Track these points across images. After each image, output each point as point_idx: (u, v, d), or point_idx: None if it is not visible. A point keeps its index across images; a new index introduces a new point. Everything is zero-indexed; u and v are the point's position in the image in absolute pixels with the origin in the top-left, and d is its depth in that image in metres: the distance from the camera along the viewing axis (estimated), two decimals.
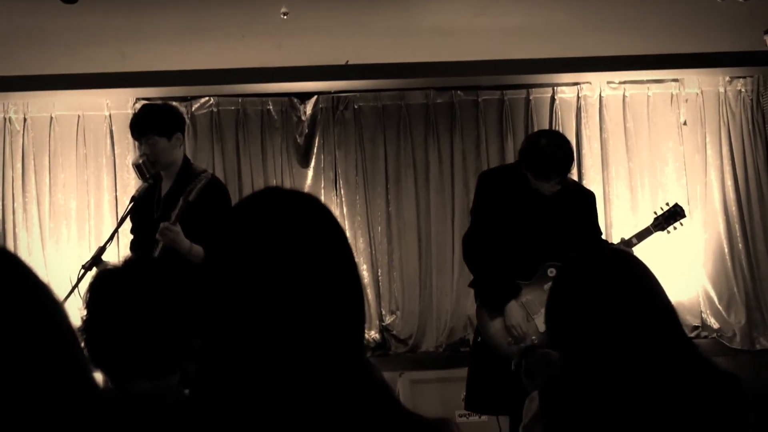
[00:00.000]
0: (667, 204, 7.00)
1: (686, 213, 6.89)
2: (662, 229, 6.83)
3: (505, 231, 6.46)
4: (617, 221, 10.43)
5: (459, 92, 10.62)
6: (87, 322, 3.10)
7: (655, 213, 6.98)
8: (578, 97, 10.67)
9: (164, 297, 3.08)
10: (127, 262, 3.30)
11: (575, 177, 10.16)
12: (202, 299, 2.02)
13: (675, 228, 6.85)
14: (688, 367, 2.94)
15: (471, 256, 6.71)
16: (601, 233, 6.84)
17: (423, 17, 9.60)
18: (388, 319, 10.32)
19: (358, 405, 1.92)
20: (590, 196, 6.85)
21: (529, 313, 6.44)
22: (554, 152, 6.31)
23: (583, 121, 10.65)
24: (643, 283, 3.02)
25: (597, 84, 10.59)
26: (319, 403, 1.89)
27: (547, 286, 6.22)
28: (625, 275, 3.02)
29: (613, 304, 2.94)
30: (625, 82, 10.61)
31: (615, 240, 7.99)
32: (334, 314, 1.96)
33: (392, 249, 10.47)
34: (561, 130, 10.49)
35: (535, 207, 6.40)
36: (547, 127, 10.53)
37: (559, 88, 10.66)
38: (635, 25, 9.71)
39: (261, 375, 1.90)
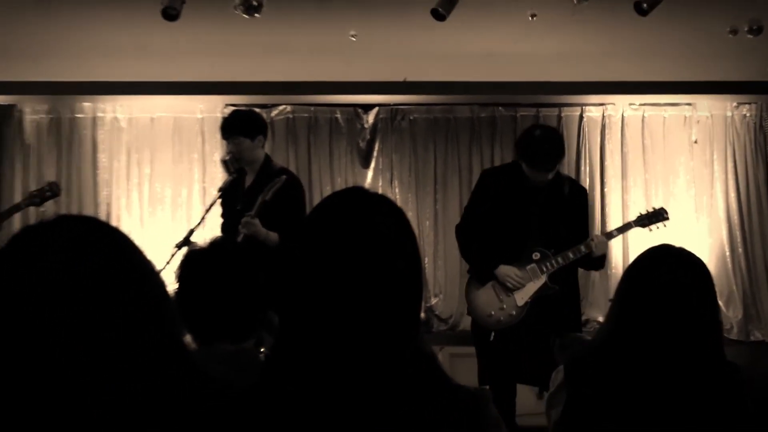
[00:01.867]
0: (654, 207, 6.87)
1: (669, 217, 6.72)
2: (643, 225, 6.68)
3: (496, 220, 6.34)
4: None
5: (500, 108, 10.63)
6: (179, 292, 3.13)
7: (641, 213, 6.86)
8: (603, 116, 10.64)
9: (244, 273, 3.14)
10: (213, 243, 3.33)
11: (598, 185, 10.10)
12: (284, 280, 2.02)
13: (657, 227, 6.71)
14: (701, 356, 2.87)
15: (462, 242, 6.62)
16: (587, 229, 6.68)
17: (471, 43, 9.57)
18: (432, 301, 10.35)
19: (412, 372, 1.94)
20: (582, 192, 6.68)
21: (509, 288, 6.32)
22: (545, 142, 6.18)
23: (607, 137, 10.62)
24: (707, 284, 2.96)
25: (620, 105, 10.55)
26: (381, 371, 1.91)
27: (530, 267, 6.22)
28: (694, 273, 2.95)
29: (673, 296, 2.88)
30: (644, 105, 10.57)
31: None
32: (398, 298, 1.97)
33: (438, 241, 10.49)
34: (587, 145, 10.55)
35: (527, 198, 6.29)
36: (575, 142, 10.55)
37: (587, 108, 10.63)
38: (655, 55, 9.64)
39: (330, 346, 1.90)
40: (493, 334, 6.30)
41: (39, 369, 1.49)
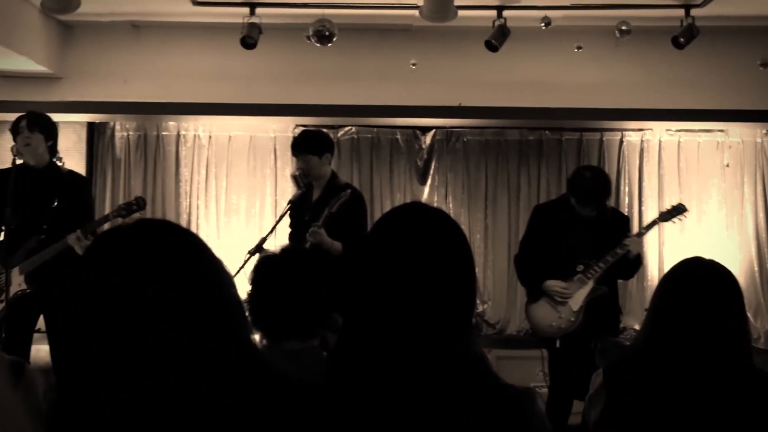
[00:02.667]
0: (673, 204, 6.92)
1: (687, 209, 6.79)
2: (665, 220, 6.76)
3: (546, 247, 6.45)
4: (669, 241, 10.31)
5: (546, 132, 10.57)
6: (251, 294, 3.16)
7: (661, 210, 6.94)
8: (642, 141, 10.55)
9: (312, 278, 3.14)
10: (284, 250, 3.36)
11: (636, 204, 10.08)
12: (348, 284, 2.05)
13: (680, 220, 6.77)
14: (730, 363, 2.86)
15: (520, 271, 6.76)
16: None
17: (521, 71, 9.60)
18: (481, 308, 10.30)
19: (464, 371, 1.95)
20: (623, 220, 6.84)
21: (558, 300, 6.42)
22: (594, 183, 6.31)
23: (645, 160, 10.52)
24: (734, 295, 2.95)
25: (657, 131, 10.46)
26: (434, 370, 1.93)
27: (576, 277, 6.29)
28: (723, 284, 2.95)
29: (704, 306, 2.88)
30: (680, 131, 10.46)
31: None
32: (453, 303, 2.00)
33: (487, 252, 10.46)
34: (627, 167, 10.47)
35: (573, 228, 6.38)
36: (615, 164, 10.49)
37: (627, 133, 10.55)
38: (690, 85, 9.62)
39: (388, 346, 1.93)
40: (558, 341, 6.41)
41: (116, 362, 1.49)
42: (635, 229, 10.08)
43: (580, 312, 6.34)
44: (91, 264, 1.60)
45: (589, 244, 6.35)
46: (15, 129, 6.34)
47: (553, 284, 6.41)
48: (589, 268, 6.35)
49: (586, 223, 6.38)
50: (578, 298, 6.36)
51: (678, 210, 6.75)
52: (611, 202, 10.07)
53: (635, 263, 6.51)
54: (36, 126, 6.29)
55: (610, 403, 2.96)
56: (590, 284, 6.35)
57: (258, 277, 3.22)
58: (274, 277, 3.19)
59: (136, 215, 6.54)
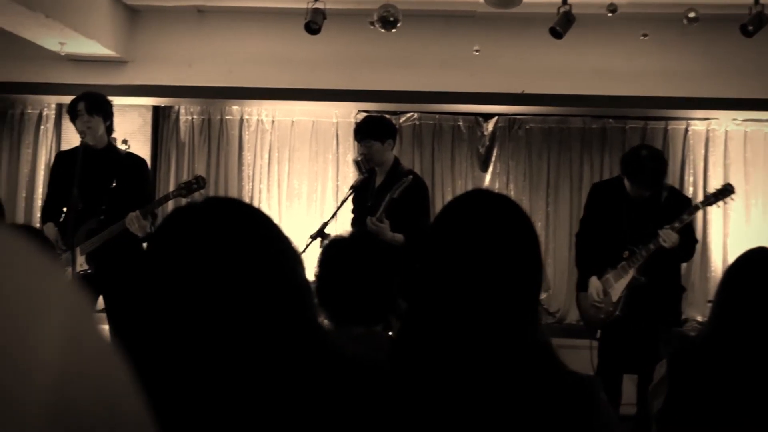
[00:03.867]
0: (721, 185, 6.71)
1: (734, 190, 6.53)
2: (710, 204, 6.55)
3: (601, 228, 6.37)
4: (733, 232, 10.20)
5: (610, 120, 10.51)
6: (319, 276, 3.16)
7: (706, 194, 6.73)
8: (707, 130, 10.44)
9: (378, 263, 3.13)
10: (353, 234, 3.35)
11: (701, 194, 9.94)
12: (414, 271, 2.05)
13: (725, 203, 6.58)
14: None
15: (578, 249, 6.69)
16: (691, 231, 6.58)
17: (585, 59, 9.51)
18: (542, 296, 10.26)
19: (529, 358, 1.96)
20: (684, 202, 6.57)
21: (606, 288, 6.33)
22: (650, 162, 6.15)
23: (710, 150, 10.41)
24: None
25: (723, 120, 10.34)
26: (500, 356, 1.93)
27: (620, 265, 6.20)
28: None
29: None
30: (747, 120, 10.33)
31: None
32: (519, 290, 2.00)
33: (548, 241, 10.41)
34: (692, 157, 10.36)
35: (627, 209, 6.27)
36: (680, 154, 10.39)
37: (692, 122, 10.45)
38: (757, 73, 9.46)
39: (453, 332, 1.93)
40: (599, 331, 6.37)
41: (183, 342, 1.50)
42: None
43: (619, 302, 6.26)
44: (160, 243, 1.62)
45: (643, 225, 6.23)
46: (73, 112, 6.41)
47: (592, 288, 6.35)
48: (632, 255, 6.24)
49: (641, 204, 6.27)
50: (618, 288, 6.28)
51: (724, 192, 6.52)
52: (676, 185, 10.04)
53: (687, 247, 6.37)
54: (94, 109, 6.37)
55: (674, 393, 2.94)
56: (631, 273, 6.24)
57: (327, 259, 3.22)
58: (343, 260, 3.18)
59: (196, 194, 6.61)
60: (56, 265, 0.83)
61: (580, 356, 6.69)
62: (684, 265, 7.78)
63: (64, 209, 6.52)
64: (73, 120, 6.42)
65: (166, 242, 1.60)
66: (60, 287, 0.77)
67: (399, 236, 6.05)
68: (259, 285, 1.54)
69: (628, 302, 6.23)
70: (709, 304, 3.09)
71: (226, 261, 1.54)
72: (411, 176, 6.31)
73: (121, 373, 0.81)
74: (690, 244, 6.42)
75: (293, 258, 1.65)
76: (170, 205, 7.23)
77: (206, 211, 1.64)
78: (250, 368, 1.53)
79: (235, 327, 1.51)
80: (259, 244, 1.60)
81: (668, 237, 6.08)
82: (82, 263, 6.26)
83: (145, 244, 6.42)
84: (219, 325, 1.50)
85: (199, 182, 6.55)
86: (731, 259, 3.19)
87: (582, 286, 6.51)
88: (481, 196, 2.16)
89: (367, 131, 6.54)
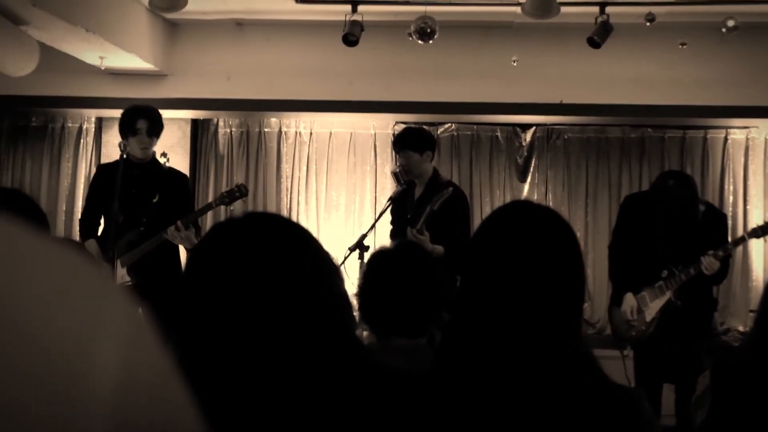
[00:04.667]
0: (766, 221, 6.64)
1: None
2: (757, 236, 6.47)
3: (635, 241, 6.30)
4: None
5: (649, 130, 10.46)
6: (362, 288, 3.15)
7: (755, 226, 6.64)
8: (747, 139, 10.37)
9: (423, 276, 3.11)
10: (397, 246, 3.34)
11: (741, 203, 9.86)
12: (456, 283, 2.06)
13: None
14: None
15: (611, 261, 6.60)
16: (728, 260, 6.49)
17: (623, 68, 9.47)
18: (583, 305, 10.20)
19: (573, 370, 1.96)
20: (719, 217, 6.50)
21: (640, 306, 6.26)
22: (679, 193, 6.06)
23: (750, 158, 10.34)
24: None
25: (763, 128, 10.27)
26: (543, 369, 1.91)
27: (657, 284, 6.12)
28: None
29: None
30: None
31: None
32: (562, 302, 2.00)
33: (588, 251, 10.34)
34: (732, 165, 10.27)
35: (659, 226, 6.18)
36: (720, 162, 10.33)
37: (731, 131, 10.38)
38: None
39: (496, 344, 1.93)
40: (628, 348, 6.32)
41: (225, 355, 1.52)
42: (738, 225, 9.99)
43: (652, 323, 6.20)
44: (201, 258, 1.63)
45: (680, 242, 6.17)
46: (132, 128, 6.36)
47: (626, 306, 6.27)
48: (671, 276, 6.16)
49: (677, 219, 6.20)
50: (653, 308, 6.22)
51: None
52: (714, 200, 9.97)
53: (722, 273, 6.30)
54: (154, 132, 6.41)
55: (717, 405, 2.91)
56: (668, 295, 6.18)
57: (370, 271, 3.21)
58: (387, 272, 3.16)
59: (239, 203, 6.63)
60: (112, 282, 0.85)
61: (621, 367, 6.65)
62: None
63: (102, 222, 6.56)
64: (129, 134, 6.38)
65: (206, 257, 1.63)
66: (119, 306, 0.79)
67: (439, 248, 6.03)
68: (298, 298, 1.56)
69: (661, 324, 6.18)
70: (751, 314, 3.06)
71: (265, 275, 1.55)
72: (451, 188, 6.30)
73: (180, 393, 0.82)
74: (725, 269, 6.34)
75: (332, 271, 1.66)
76: (212, 215, 7.29)
77: (246, 225, 1.66)
78: (290, 381, 1.54)
79: (274, 340, 1.52)
80: (297, 259, 1.61)
81: (711, 265, 6.01)
82: (123, 275, 6.29)
83: (184, 257, 6.48)
84: (259, 339, 1.52)
85: (241, 190, 6.56)
86: None
87: (616, 300, 6.44)
88: (522, 207, 2.17)
89: (406, 142, 6.55)
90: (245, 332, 1.51)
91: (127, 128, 6.39)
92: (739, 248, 7.22)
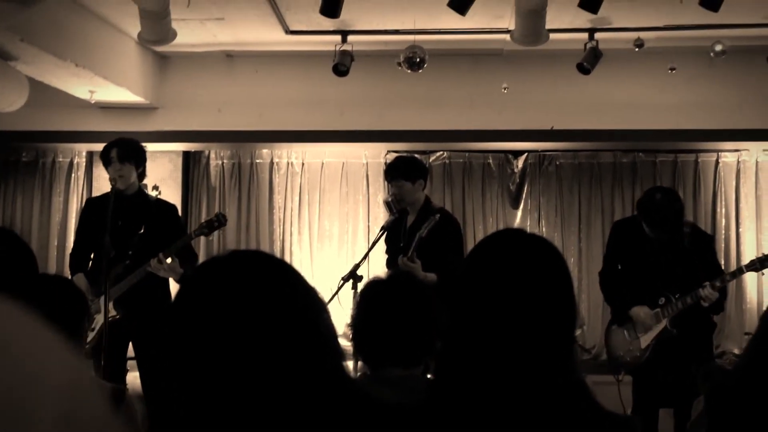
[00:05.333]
0: (765, 253, 6.61)
1: None
2: (755, 270, 6.44)
3: (625, 266, 6.30)
4: None
5: (640, 154, 10.49)
6: (355, 319, 3.13)
7: (752, 259, 6.61)
8: (738, 162, 10.39)
9: (416, 306, 3.08)
10: (391, 276, 3.31)
11: (733, 225, 9.85)
12: (448, 312, 2.05)
13: (764, 274, 6.49)
14: None
15: (603, 287, 6.59)
16: (718, 269, 6.47)
17: (613, 93, 9.51)
18: (576, 332, 10.18)
19: (566, 398, 1.94)
20: (705, 239, 6.50)
21: (636, 331, 6.25)
22: (664, 206, 6.05)
23: (742, 181, 10.36)
24: None
25: (754, 151, 10.30)
26: (536, 396, 1.91)
27: (655, 311, 6.09)
28: None
29: None
30: None
31: None
32: (554, 331, 2.00)
33: (582, 276, 10.37)
34: (723, 188, 10.29)
35: (649, 250, 6.17)
36: (711, 185, 10.34)
37: (723, 154, 10.41)
38: None
39: (489, 373, 1.92)
40: (622, 374, 6.29)
41: (209, 392, 1.51)
42: (722, 244, 10.00)
43: (646, 350, 6.19)
44: (186, 297, 1.62)
45: (670, 267, 6.16)
46: (106, 159, 6.43)
47: (639, 311, 6.23)
48: (668, 304, 6.15)
49: (664, 244, 6.19)
50: (649, 335, 6.21)
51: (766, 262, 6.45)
52: (707, 223, 9.98)
53: (714, 308, 6.29)
54: (126, 157, 6.39)
55: (713, 429, 2.89)
56: (663, 323, 6.16)
57: (364, 301, 3.18)
58: (380, 302, 3.12)
59: (217, 231, 6.61)
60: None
61: (616, 393, 6.63)
62: None
63: (92, 256, 6.54)
64: (106, 166, 6.44)
65: (191, 298, 1.62)
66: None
67: (431, 276, 6.02)
68: (283, 336, 1.55)
69: (656, 351, 6.16)
70: (746, 336, 3.03)
71: (250, 314, 1.54)
72: (438, 215, 6.29)
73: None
74: (722, 300, 6.32)
75: (317, 307, 1.65)
76: (202, 244, 7.27)
77: (229, 264, 1.65)
78: (278, 418, 1.52)
79: (261, 378, 1.51)
80: (281, 295, 1.60)
81: (710, 297, 5.99)
82: (110, 309, 6.27)
83: (174, 289, 6.46)
84: (246, 377, 1.50)
85: (220, 220, 6.54)
86: (766, 291, 3.13)
87: (617, 319, 6.43)
88: (512, 235, 2.16)
89: (398, 171, 6.54)
90: (231, 371, 1.51)
91: (103, 161, 6.45)
92: None
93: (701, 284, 6.09)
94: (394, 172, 6.56)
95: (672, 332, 6.09)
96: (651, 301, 6.20)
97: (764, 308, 3.04)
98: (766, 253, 6.53)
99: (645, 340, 6.20)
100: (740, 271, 6.41)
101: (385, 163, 10.19)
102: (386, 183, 6.93)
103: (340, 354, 1.66)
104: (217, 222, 6.52)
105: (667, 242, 6.12)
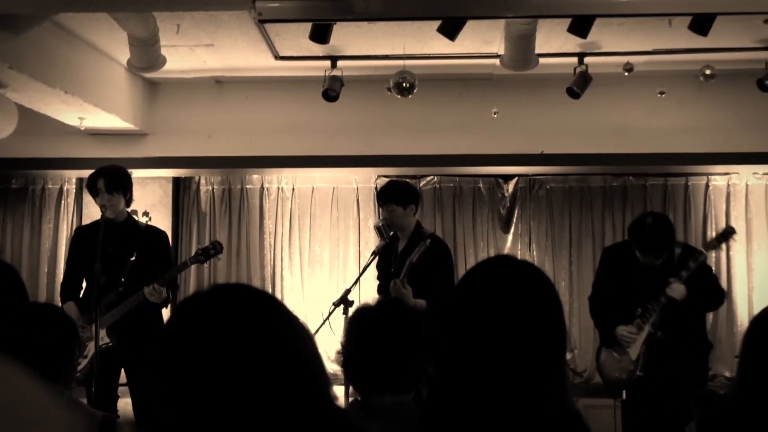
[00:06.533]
0: (720, 230, 6.67)
1: (735, 231, 6.50)
2: (714, 248, 6.48)
3: (614, 290, 6.31)
4: (758, 285, 10.13)
5: (631, 178, 10.49)
6: (345, 346, 3.12)
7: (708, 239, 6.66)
8: (728, 185, 10.40)
9: (407, 331, 3.07)
10: (380, 303, 3.30)
11: (724, 248, 9.83)
12: (439, 338, 2.05)
13: (729, 245, 6.54)
14: None
15: (592, 313, 6.61)
16: (715, 288, 6.50)
17: (603, 118, 9.55)
18: (567, 356, 10.18)
19: (557, 425, 1.96)
20: (697, 256, 6.52)
21: (623, 348, 6.27)
22: (655, 231, 6.08)
23: (732, 204, 10.36)
24: None
25: (744, 174, 10.31)
26: (528, 423, 1.90)
27: (635, 323, 6.12)
28: None
29: None
30: (767, 174, 10.27)
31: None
32: (544, 357, 2.01)
33: (573, 300, 10.36)
34: (713, 212, 10.30)
35: (639, 275, 6.19)
36: (702, 208, 10.36)
37: (713, 177, 10.42)
38: None
39: (480, 399, 1.92)
40: (624, 392, 6.27)
41: (198, 421, 1.52)
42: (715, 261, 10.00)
43: (638, 360, 6.19)
44: (171, 332, 1.63)
45: (655, 287, 6.17)
46: (93, 189, 6.45)
47: (621, 330, 6.27)
48: (645, 312, 6.17)
49: (653, 270, 6.20)
50: (636, 345, 6.22)
51: (726, 234, 6.46)
52: (697, 246, 9.99)
53: (705, 296, 6.29)
54: (114, 187, 6.41)
55: None
56: (646, 329, 6.18)
57: (353, 328, 3.18)
58: (370, 329, 3.12)
59: (223, 262, 6.63)
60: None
61: (608, 416, 6.61)
62: (710, 320, 7.69)
63: (84, 284, 6.53)
64: (93, 196, 6.45)
65: (176, 332, 1.63)
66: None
67: (421, 302, 6.03)
68: (268, 366, 1.56)
69: (648, 360, 6.16)
70: (737, 360, 3.02)
71: (233, 347, 1.55)
72: (428, 240, 6.30)
73: None
74: (710, 293, 6.31)
75: (302, 337, 1.66)
76: (192, 269, 7.27)
77: (212, 299, 1.66)
78: None
79: (248, 407, 1.52)
80: (265, 328, 1.62)
81: (676, 289, 6.02)
82: (103, 336, 6.26)
83: (165, 313, 6.46)
84: (233, 405, 1.51)
85: (216, 247, 6.56)
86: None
87: (606, 342, 6.44)
88: (503, 262, 2.17)
89: (390, 196, 6.55)
90: (219, 402, 1.52)
91: (90, 191, 6.48)
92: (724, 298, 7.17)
93: (698, 308, 6.14)
94: (386, 196, 6.58)
95: (656, 334, 6.10)
96: (632, 316, 6.24)
97: None
98: (720, 231, 6.58)
99: (633, 351, 6.22)
100: (700, 253, 6.33)
101: (376, 188, 10.20)
102: (377, 208, 6.93)
103: (326, 383, 1.67)
104: (213, 250, 6.54)
105: (658, 267, 6.14)
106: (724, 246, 6.62)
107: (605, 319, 6.43)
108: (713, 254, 10.12)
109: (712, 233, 10.32)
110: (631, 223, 6.48)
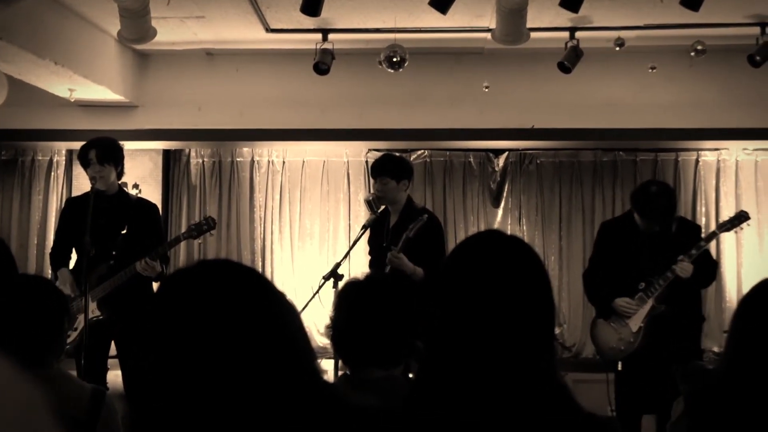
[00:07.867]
0: (732, 214, 6.75)
1: (749, 216, 6.64)
2: (727, 230, 6.58)
3: (613, 264, 6.34)
4: (747, 261, 10.14)
5: (621, 153, 10.48)
6: (335, 320, 3.12)
7: (723, 221, 6.74)
8: (718, 161, 10.40)
9: (396, 305, 3.07)
10: (369, 276, 3.30)
11: (713, 224, 9.85)
12: (430, 311, 2.06)
13: (741, 228, 6.60)
14: None
15: (587, 287, 6.65)
16: (710, 258, 6.58)
17: (594, 93, 9.54)
18: (556, 331, 10.20)
19: (546, 400, 1.96)
20: (693, 229, 6.64)
21: (624, 317, 6.30)
22: (660, 198, 6.15)
23: (722, 180, 10.36)
24: None
25: (734, 150, 10.31)
26: (516, 398, 1.92)
27: (638, 296, 6.17)
28: None
29: None
30: (757, 150, 10.29)
31: None
32: (532, 331, 2.02)
33: (562, 275, 10.38)
34: (703, 188, 10.31)
35: (638, 245, 6.25)
36: (692, 184, 10.37)
37: (703, 153, 10.41)
38: (766, 103, 9.45)
39: (469, 373, 1.93)
40: (620, 363, 6.31)
41: (186, 395, 1.53)
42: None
43: (639, 333, 6.24)
44: (158, 308, 1.64)
45: (655, 260, 6.22)
46: (84, 160, 6.43)
47: (621, 301, 6.31)
48: (649, 285, 6.22)
49: (652, 239, 6.25)
50: (637, 318, 6.27)
51: (739, 218, 6.54)
52: (688, 216, 10.01)
53: (706, 272, 6.36)
54: (105, 158, 6.38)
55: (693, 430, 2.89)
56: (649, 303, 6.24)
57: (342, 302, 3.18)
58: (359, 303, 3.11)
59: (207, 234, 6.62)
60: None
61: (597, 390, 6.65)
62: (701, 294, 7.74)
63: (73, 255, 6.52)
64: (85, 167, 6.43)
65: (162, 308, 1.64)
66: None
67: (419, 269, 6.07)
68: (254, 341, 1.57)
69: (648, 332, 6.21)
70: (725, 335, 3.03)
71: (220, 323, 1.56)
72: (426, 215, 6.31)
73: None
74: (709, 269, 6.40)
75: (286, 311, 1.67)
76: (182, 243, 7.27)
77: (197, 275, 1.67)
78: (253, 419, 1.54)
79: (236, 381, 1.53)
80: (251, 302, 1.62)
81: (685, 269, 6.08)
82: (93, 309, 6.26)
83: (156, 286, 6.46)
84: (221, 380, 1.52)
85: (209, 223, 6.56)
86: (746, 289, 3.13)
87: (602, 314, 6.47)
88: (491, 237, 2.17)
89: (385, 168, 6.56)
90: (207, 377, 1.53)
91: (81, 162, 6.46)
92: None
93: (694, 286, 6.20)
94: (381, 169, 6.58)
95: (660, 308, 6.16)
96: (630, 291, 6.28)
97: None
98: (734, 215, 6.64)
99: (635, 323, 6.26)
100: (713, 234, 6.50)
101: (366, 161, 10.20)
102: (367, 181, 6.93)
103: (312, 358, 1.68)
104: (206, 225, 6.54)
105: (656, 234, 6.19)
106: (738, 230, 6.70)
107: (603, 294, 6.46)
108: (703, 231, 10.17)
109: (701, 208, 10.35)
110: (633, 190, 6.53)
